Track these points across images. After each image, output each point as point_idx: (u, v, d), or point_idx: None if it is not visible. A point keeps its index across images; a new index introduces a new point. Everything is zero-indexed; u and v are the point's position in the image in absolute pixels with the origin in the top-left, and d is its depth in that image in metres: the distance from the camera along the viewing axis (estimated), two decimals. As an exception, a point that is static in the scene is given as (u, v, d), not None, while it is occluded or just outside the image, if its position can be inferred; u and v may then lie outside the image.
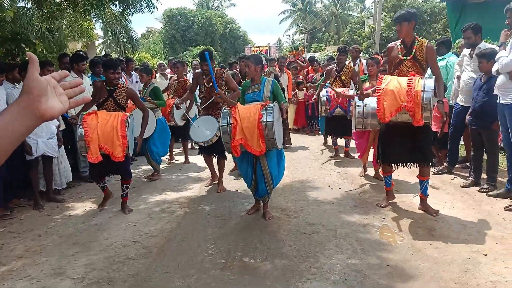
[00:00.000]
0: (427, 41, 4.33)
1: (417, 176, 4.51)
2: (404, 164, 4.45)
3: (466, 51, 5.73)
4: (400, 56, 4.25)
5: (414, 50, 4.19)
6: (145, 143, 6.23)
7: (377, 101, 4.05)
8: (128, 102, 5.06)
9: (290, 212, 4.74)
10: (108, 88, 4.83)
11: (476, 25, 5.54)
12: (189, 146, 8.75)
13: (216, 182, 5.88)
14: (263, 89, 4.50)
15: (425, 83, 3.94)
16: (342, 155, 7.50)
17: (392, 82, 4.04)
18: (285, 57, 10.09)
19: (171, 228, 4.43)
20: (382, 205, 4.70)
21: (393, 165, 4.56)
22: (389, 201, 4.75)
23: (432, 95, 3.90)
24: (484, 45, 5.56)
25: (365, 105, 5.16)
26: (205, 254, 3.77)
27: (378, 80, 4.16)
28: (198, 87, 5.78)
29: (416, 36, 4.26)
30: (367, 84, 5.71)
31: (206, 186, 5.94)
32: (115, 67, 4.82)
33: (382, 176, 5.65)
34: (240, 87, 5.08)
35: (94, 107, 4.98)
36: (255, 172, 4.49)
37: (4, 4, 9.21)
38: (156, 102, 6.42)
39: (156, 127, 6.33)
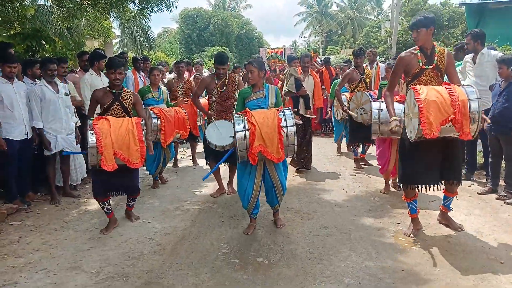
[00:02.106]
0: (445, 48, 4.04)
1: (443, 191, 4.13)
2: (432, 185, 3.90)
3: (468, 57, 5.79)
4: (420, 65, 3.82)
5: (435, 58, 3.83)
6: (169, 146, 6.17)
7: (420, 114, 3.46)
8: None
9: (303, 214, 4.73)
10: (113, 91, 4.35)
11: (478, 32, 5.68)
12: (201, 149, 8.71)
13: (224, 193, 5.63)
14: (268, 96, 4.27)
15: (467, 90, 3.54)
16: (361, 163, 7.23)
17: (431, 92, 3.53)
18: (310, 54, 7.55)
19: (185, 226, 4.46)
20: (411, 235, 4.03)
21: (418, 187, 3.97)
22: (417, 229, 4.11)
23: (479, 105, 3.47)
24: (487, 51, 5.58)
25: (382, 109, 4.99)
26: (219, 253, 3.79)
27: (415, 92, 3.57)
28: (208, 91, 5.47)
29: (434, 43, 3.93)
30: None
31: (213, 197, 5.53)
32: (116, 66, 4.30)
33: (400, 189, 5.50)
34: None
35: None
36: (258, 185, 4.19)
37: (26, 1, 9.39)
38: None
39: None
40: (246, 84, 5.35)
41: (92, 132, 4.00)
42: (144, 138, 4.19)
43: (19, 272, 3.48)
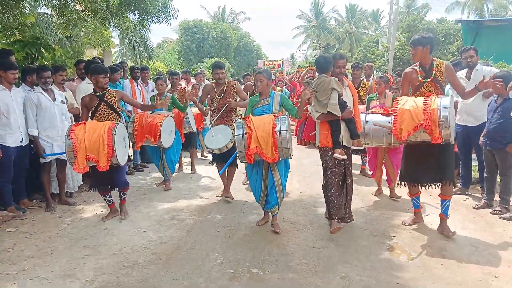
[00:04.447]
0: (444, 61, 4.38)
1: (438, 195, 4.42)
2: (428, 185, 4.40)
3: (461, 73, 5.81)
4: (420, 79, 4.27)
5: (433, 72, 4.24)
6: (165, 152, 6.34)
7: (393, 121, 4.10)
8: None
9: (299, 226, 4.73)
10: (97, 94, 4.80)
11: (475, 47, 5.84)
12: (199, 155, 8.82)
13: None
14: (273, 103, 4.63)
15: (441, 101, 3.96)
16: (357, 172, 7.36)
17: (409, 102, 4.08)
18: (346, 56, 4.89)
19: (180, 236, 4.45)
20: (407, 224, 4.68)
21: (419, 186, 4.49)
22: (416, 222, 4.70)
23: (449, 113, 3.87)
24: (481, 67, 5.64)
25: (366, 121, 5.07)
26: (214, 263, 3.78)
27: (394, 102, 4.22)
28: (210, 99, 5.76)
29: (433, 58, 4.31)
30: (375, 103, 5.72)
31: (218, 196, 5.94)
32: (105, 72, 4.88)
33: (397, 197, 5.68)
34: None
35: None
36: (265, 182, 4.57)
37: (26, 9, 9.43)
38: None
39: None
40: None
41: (69, 137, 4.45)
42: (112, 143, 4.48)
43: (13, 280, 3.46)
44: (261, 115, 4.56)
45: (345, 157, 4.41)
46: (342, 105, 4.36)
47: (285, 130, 4.24)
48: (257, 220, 4.87)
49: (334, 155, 4.37)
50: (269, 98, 4.65)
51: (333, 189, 4.47)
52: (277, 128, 4.25)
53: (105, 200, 5.03)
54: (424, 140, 4.06)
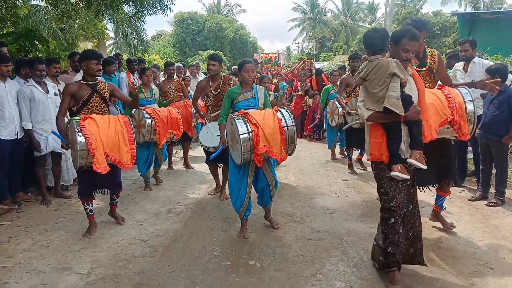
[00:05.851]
0: (435, 50, 4.12)
1: (436, 191, 4.28)
2: (431, 186, 4.10)
3: (459, 65, 5.81)
4: (414, 67, 3.79)
5: (428, 61, 3.92)
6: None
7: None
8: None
9: (296, 218, 4.74)
10: (89, 83, 4.18)
11: (473, 40, 5.77)
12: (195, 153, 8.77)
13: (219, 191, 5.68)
14: (257, 96, 4.26)
15: (462, 92, 3.63)
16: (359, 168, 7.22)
17: (428, 95, 3.47)
18: (417, 36, 3.18)
19: (177, 228, 4.45)
20: None
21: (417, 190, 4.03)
22: None
23: (474, 106, 3.59)
24: (478, 60, 5.64)
25: None
26: (211, 255, 3.78)
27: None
28: (205, 94, 5.56)
29: (425, 46, 4.00)
30: None
31: (210, 194, 5.73)
32: (98, 57, 4.23)
33: None
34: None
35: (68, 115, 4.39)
36: (250, 184, 4.20)
37: (18, 1, 9.33)
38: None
39: None
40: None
41: (80, 134, 3.85)
42: (133, 138, 4.19)
43: (9, 273, 3.45)
44: (247, 109, 4.13)
45: (408, 177, 3.12)
46: (406, 100, 3.02)
47: (292, 125, 4.04)
48: (239, 231, 4.32)
49: (392, 174, 3.10)
50: (252, 91, 4.26)
51: (397, 227, 3.21)
52: (283, 124, 3.98)
53: (86, 209, 4.29)
54: (444, 137, 3.72)
